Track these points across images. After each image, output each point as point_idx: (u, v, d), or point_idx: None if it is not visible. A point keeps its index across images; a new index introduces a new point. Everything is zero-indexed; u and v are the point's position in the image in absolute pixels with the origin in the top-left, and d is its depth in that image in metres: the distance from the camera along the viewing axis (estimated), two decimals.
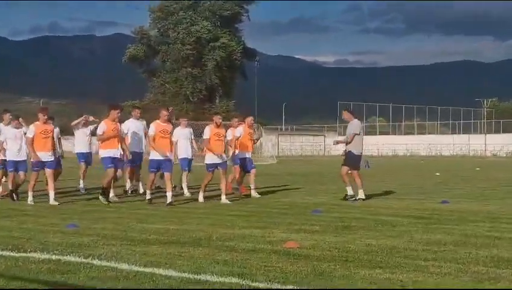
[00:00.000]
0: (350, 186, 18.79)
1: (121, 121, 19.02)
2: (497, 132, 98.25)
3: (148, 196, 17.92)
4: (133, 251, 9.79)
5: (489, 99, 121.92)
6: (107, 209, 16.35)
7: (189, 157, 20.95)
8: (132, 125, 19.88)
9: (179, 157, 20.59)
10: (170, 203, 17.19)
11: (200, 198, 18.36)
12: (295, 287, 7.33)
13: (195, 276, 7.93)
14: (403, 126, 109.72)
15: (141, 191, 20.13)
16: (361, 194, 18.64)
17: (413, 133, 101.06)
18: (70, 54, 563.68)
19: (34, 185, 17.66)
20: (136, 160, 19.89)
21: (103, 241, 10.68)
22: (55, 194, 17.80)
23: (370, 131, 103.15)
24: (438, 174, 35.62)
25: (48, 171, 17.70)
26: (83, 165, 21.50)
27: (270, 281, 7.65)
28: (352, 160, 18.78)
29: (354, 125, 19.02)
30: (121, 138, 18.16)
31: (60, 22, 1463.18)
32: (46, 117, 17.91)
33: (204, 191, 18.62)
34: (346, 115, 19.72)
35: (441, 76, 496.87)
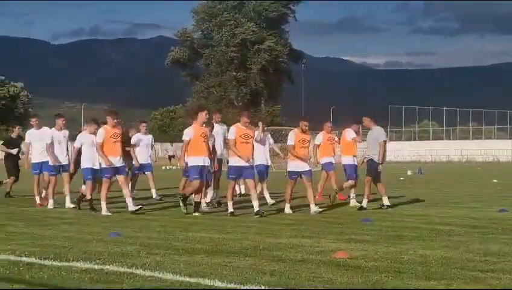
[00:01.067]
0: (366, 199, 18.69)
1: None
2: None
3: (230, 208, 17.09)
4: (177, 260, 9.82)
5: None
6: (149, 217, 16.40)
7: (266, 164, 20.71)
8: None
9: (256, 163, 19.85)
10: (258, 213, 16.63)
11: (287, 209, 17.61)
12: None
13: (242, 287, 7.94)
14: (457, 131, 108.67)
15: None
16: (386, 201, 18.60)
17: (469, 138, 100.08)
18: (111, 58, 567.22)
19: (107, 193, 17.38)
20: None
21: (146, 251, 10.73)
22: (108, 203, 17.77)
23: (422, 136, 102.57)
24: (495, 181, 35.12)
25: (121, 178, 17.52)
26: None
27: None
28: (373, 169, 18.62)
29: (379, 132, 19.04)
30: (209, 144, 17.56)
31: (101, 25, 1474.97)
32: (115, 121, 17.57)
33: (290, 200, 18.13)
34: (367, 121, 19.42)
35: (500, 78, 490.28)
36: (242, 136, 17.05)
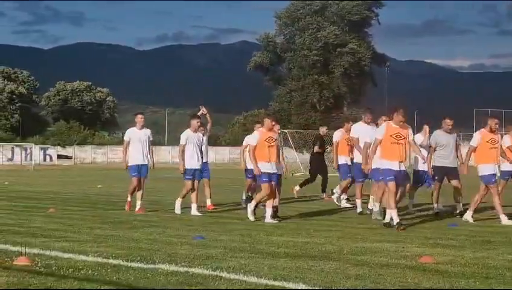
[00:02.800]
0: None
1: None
2: None
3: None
4: (261, 263, 9.82)
5: None
6: (233, 221, 16.46)
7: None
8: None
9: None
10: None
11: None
12: None
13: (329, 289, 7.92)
14: None
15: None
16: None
17: None
18: (194, 63, 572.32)
19: (266, 199, 16.57)
20: None
21: (231, 254, 10.77)
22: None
23: None
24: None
25: (273, 184, 16.37)
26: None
27: None
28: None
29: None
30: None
31: (185, 31, 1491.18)
32: (273, 123, 16.97)
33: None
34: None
35: None
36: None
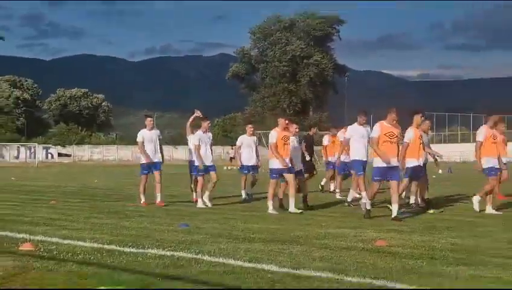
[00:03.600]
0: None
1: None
2: None
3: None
4: (238, 247, 9.84)
5: None
6: (214, 211, 16.39)
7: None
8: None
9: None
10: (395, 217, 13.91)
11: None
12: (385, 282, 7.27)
13: (295, 271, 7.94)
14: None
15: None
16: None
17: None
18: (180, 73, 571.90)
19: (273, 193, 16.05)
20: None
21: (211, 239, 10.77)
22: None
23: (451, 139, 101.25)
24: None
25: (290, 176, 15.84)
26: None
27: (362, 276, 7.60)
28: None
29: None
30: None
31: (172, 44, 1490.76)
32: (286, 122, 16.44)
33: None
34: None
35: None
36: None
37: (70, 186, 27.64)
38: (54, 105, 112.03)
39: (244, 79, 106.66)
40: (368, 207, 14.47)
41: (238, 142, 19.72)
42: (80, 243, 10.31)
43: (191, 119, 19.13)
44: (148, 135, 17.80)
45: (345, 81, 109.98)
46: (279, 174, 15.93)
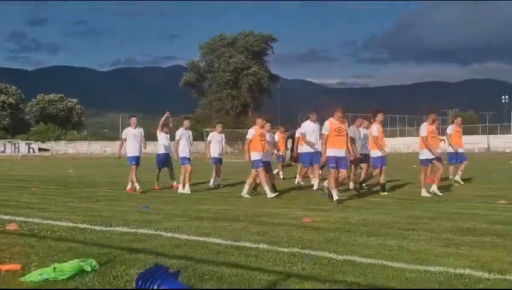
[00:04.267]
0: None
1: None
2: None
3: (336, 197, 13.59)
4: (190, 225, 9.81)
5: (453, 110, 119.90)
6: (173, 196, 16.30)
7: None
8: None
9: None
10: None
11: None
12: (310, 252, 7.35)
13: (236, 243, 7.97)
14: (388, 131, 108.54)
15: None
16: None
17: (397, 136, 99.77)
18: (141, 81, 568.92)
19: (253, 181, 15.66)
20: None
21: (168, 218, 10.71)
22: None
23: (401, 133, 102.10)
24: (414, 166, 34.80)
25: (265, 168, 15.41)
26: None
27: (291, 246, 7.67)
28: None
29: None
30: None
31: (134, 57, 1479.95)
32: (264, 122, 15.88)
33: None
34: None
35: (418, 92, 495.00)
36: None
37: (48, 175, 27.16)
38: (34, 108, 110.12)
39: (195, 86, 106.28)
40: (336, 197, 13.37)
41: (208, 138, 19.20)
42: (57, 223, 10.17)
43: (162, 119, 18.95)
44: (132, 132, 17.38)
45: (277, 87, 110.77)
46: (259, 165, 15.27)
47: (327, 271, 6.28)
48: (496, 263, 6.63)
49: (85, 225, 9.83)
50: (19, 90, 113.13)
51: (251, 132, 15.58)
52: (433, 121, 15.61)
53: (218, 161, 18.93)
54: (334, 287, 5.60)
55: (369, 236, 8.52)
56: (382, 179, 15.99)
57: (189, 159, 17.17)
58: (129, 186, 17.31)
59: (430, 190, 15.12)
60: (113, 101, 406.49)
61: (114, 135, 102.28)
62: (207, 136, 22.73)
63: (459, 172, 18.89)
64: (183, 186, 16.80)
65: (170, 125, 19.67)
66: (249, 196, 15.24)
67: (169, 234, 8.79)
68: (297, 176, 19.50)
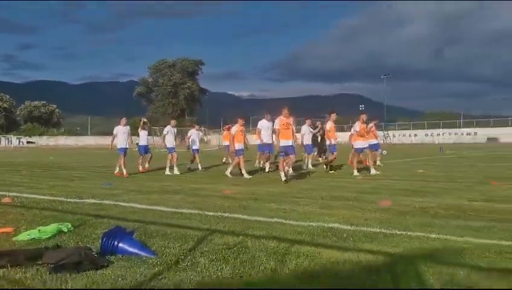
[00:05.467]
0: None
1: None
2: None
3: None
4: (142, 197, 9.63)
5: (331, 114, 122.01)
6: (133, 176, 15.92)
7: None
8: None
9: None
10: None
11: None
12: (229, 214, 7.37)
13: (176, 210, 7.89)
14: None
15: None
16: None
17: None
18: (105, 92, 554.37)
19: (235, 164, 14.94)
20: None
21: (125, 193, 10.46)
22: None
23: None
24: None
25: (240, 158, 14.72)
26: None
27: (216, 211, 7.66)
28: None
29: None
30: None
31: (99, 74, 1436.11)
32: (243, 121, 15.20)
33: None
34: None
35: (304, 102, 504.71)
36: (284, 124, 13.32)
37: (34, 162, 25.94)
38: (23, 111, 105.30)
39: (145, 96, 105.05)
40: (283, 177, 12.64)
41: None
42: (41, 196, 9.75)
43: (142, 122, 18.03)
44: (121, 129, 16.28)
45: (206, 98, 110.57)
46: (241, 153, 14.75)
47: (241, 227, 6.33)
48: (354, 219, 6.86)
49: (62, 198, 9.46)
50: (11, 98, 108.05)
51: (234, 129, 15.02)
52: (363, 121, 15.18)
53: (173, 150, 17.48)
54: (246, 239, 5.64)
55: (271, 202, 8.61)
56: (332, 161, 15.93)
57: (174, 149, 16.68)
58: (117, 170, 16.34)
59: (371, 172, 14.64)
60: (83, 106, 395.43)
61: (84, 132, 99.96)
62: (160, 132, 22.02)
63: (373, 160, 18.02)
64: (170, 169, 16.16)
65: (148, 125, 18.83)
66: (231, 175, 14.50)
67: (127, 204, 8.60)
68: (257, 161, 18.21)
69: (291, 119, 13.47)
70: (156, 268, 4.55)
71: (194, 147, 18.68)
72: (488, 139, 67.87)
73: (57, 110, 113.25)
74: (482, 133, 71.42)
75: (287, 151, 13.03)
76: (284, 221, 6.74)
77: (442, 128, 77.15)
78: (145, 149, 17.83)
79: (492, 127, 73.87)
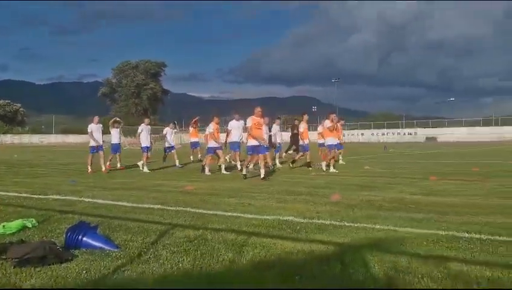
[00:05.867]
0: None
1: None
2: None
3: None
4: (105, 193, 9.42)
5: (283, 115, 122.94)
6: (95, 174, 15.52)
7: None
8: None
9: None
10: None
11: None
12: (190, 209, 7.32)
13: (139, 205, 7.77)
14: None
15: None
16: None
17: None
18: (70, 92, 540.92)
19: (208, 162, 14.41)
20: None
21: (89, 189, 10.22)
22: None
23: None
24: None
25: (220, 152, 14.42)
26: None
27: (177, 206, 7.60)
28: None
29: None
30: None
31: (64, 74, 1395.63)
32: (218, 119, 14.65)
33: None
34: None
35: (261, 103, 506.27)
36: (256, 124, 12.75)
37: None
38: None
39: (109, 96, 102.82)
40: (244, 172, 12.53)
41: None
42: (6, 193, 9.38)
43: (112, 120, 17.01)
44: (95, 127, 15.74)
45: (168, 98, 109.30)
46: (214, 151, 14.33)
47: (201, 221, 6.29)
48: (307, 212, 6.95)
49: (27, 194, 9.13)
50: None
51: (211, 126, 14.50)
52: (332, 120, 14.99)
53: (148, 149, 16.28)
54: (206, 232, 5.62)
55: (229, 197, 8.59)
56: (309, 158, 15.84)
57: (148, 147, 15.95)
58: (103, 168, 15.40)
59: (328, 169, 14.56)
60: (48, 105, 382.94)
61: (49, 130, 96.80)
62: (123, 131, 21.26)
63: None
64: (143, 166, 15.64)
65: (121, 123, 17.87)
66: (210, 173, 13.97)
67: (91, 200, 8.40)
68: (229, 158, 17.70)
69: (263, 120, 13.11)
70: (119, 261, 4.46)
71: (167, 145, 17.95)
72: (427, 138, 70.13)
73: (21, 109, 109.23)
74: (422, 133, 73.76)
75: (258, 150, 12.52)
76: (242, 215, 6.74)
77: (387, 128, 79.11)
78: (117, 147, 17.07)
79: (431, 128, 76.49)
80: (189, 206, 7.51)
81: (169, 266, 4.31)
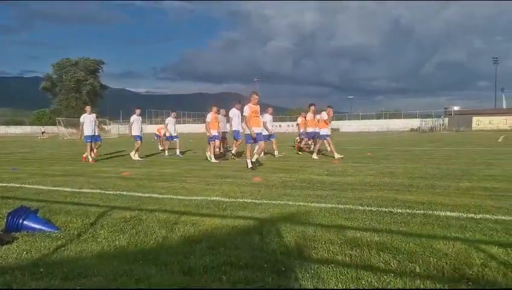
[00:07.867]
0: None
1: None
2: None
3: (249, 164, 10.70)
4: (46, 179, 8.84)
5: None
6: (43, 161, 14.49)
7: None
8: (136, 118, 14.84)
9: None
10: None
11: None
12: (127, 193, 7.09)
13: (79, 190, 7.37)
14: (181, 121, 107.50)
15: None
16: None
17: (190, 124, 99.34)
18: (13, 86, 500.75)
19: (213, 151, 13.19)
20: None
21: (30, 176, 9.54)
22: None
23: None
24: (191, 140, 34.35)
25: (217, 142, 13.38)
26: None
27: (115, 190, 7.33)
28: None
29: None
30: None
31: (5, 70, 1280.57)
32: (216, 109, 13.62)
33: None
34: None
35: (193, 99, 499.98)
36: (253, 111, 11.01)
37: None
38: None
39: (50, 91, 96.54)
40: (249, 165, 10.60)
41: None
42: None
43: (87, 113, 14.42)
44: (87, 117, 14.16)
45: (107, 93, 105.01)
46: (215, 139, 13.24)
47: (137, 203, 6.13)
48: (232, 193, 6.98)
49: (7, 184, 8.39)
50: None
51: (209, 116, 13.47)
52: (313, 112, 14.68)
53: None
54: (141, 213, 5.48)
55: (163, 182, 8.41)
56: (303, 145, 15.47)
57: (140, 137, 14.63)
58: (90, 159, 13.80)
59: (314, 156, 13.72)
60: (18, 101, 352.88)
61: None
62: (59, 123, 19.89)
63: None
64: (134, 155, 14.44)
65: (138, 111, 15.28)
66: (216, 160, 12.84)
67: (32, 186, 7.86)
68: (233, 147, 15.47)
69: (258, 107, 11.29)
70: (59, 241, 4.24)
71: (170, 135, 16.48)
72: (332, 129, 73.67)
73: None
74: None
75: (256, 138, 10.87)
76: (175, 197, 6.64)
77: None
78: (91, 138, 14.68)
79: (336, 120, 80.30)
80: (126, 190, 7.28)
81: (106, 244, 4.16)
